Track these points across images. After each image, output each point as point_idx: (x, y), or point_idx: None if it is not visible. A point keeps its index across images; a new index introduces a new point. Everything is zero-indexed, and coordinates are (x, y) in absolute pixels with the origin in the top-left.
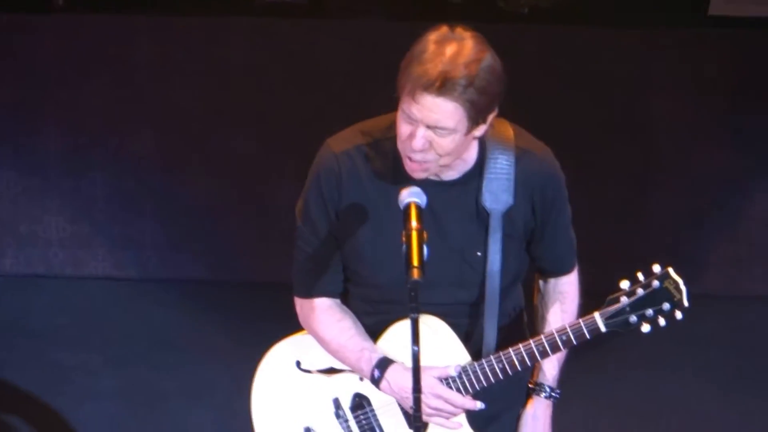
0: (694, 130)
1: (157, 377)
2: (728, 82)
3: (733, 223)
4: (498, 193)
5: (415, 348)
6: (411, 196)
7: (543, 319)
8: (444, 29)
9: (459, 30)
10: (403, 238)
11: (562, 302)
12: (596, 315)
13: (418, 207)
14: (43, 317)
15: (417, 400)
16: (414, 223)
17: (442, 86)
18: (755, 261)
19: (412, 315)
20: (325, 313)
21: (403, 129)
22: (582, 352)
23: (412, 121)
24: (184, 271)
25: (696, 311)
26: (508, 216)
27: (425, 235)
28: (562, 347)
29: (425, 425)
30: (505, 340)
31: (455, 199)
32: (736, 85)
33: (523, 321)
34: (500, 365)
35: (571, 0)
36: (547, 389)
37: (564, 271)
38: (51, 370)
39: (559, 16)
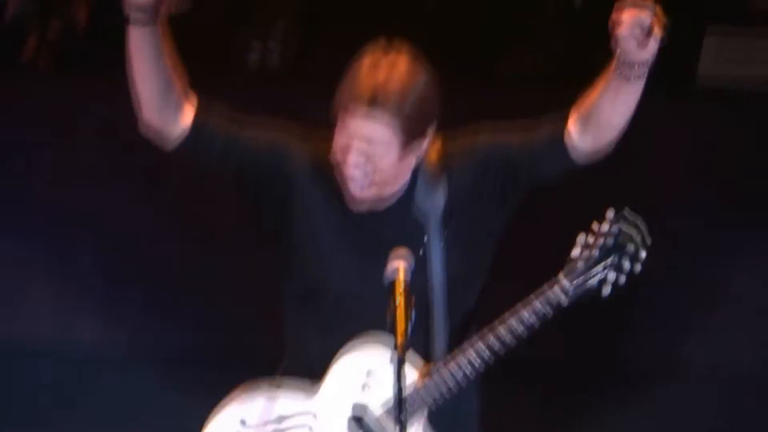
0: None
1: None
2: (720, 146)
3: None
4: (427, 198)
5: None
6: (396, 272)
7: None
8: (380, 46)
9: (395, 48)
10: (388, 315)
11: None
12: (560, 276)
13: (404, 282)
14: (27, 393)
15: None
16: (399, 299)
17: (376, 101)
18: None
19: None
20: None
21: (339, 143)
22: None
23: (348, 136)
24: (167, 344)
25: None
26: (445, 214)
27: (412, 300)
28: (528, 323)
29: None
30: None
31: (394, 222)
32: (728, 149)
33: (472, 331)
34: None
35: (555, 65)
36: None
37: (566, 116)
38: None
39: (553, 79)
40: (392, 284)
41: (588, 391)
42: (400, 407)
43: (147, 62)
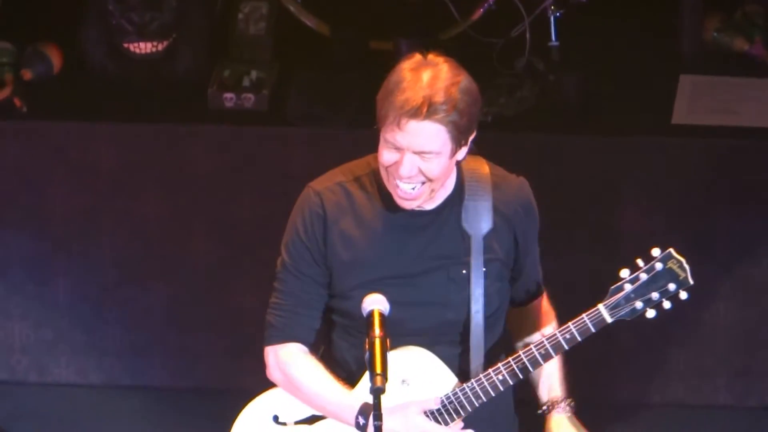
0: (656, 237)
1: None
2: (691, 189)
3: (696, 331)
4: (477, 217)
5: None
6: (374, 303)
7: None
8: (417, 57)
9: (432, 56)
10: (366, 346)
11: (550, 316)
12: (600, 306)
13: (381, 315)
14: (5, 424)
15: None
16: (377, 331)
17: (426, 110)
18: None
19: (375, 423)
20: (302, 359)
21: (387, 157)
22: None
23: (398, 148)
24: (147, 377)
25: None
26: (487, 240)
27: (388, 343)
28: (565, 345)
29: None
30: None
31: (437, 224)
32: (700, 192)
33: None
34: (500, 377)
35: (534, 108)
36: (562, 402)
37: (541, 293)
38: None
39: (522, 124)
40: (370, 316)
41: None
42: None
43: None
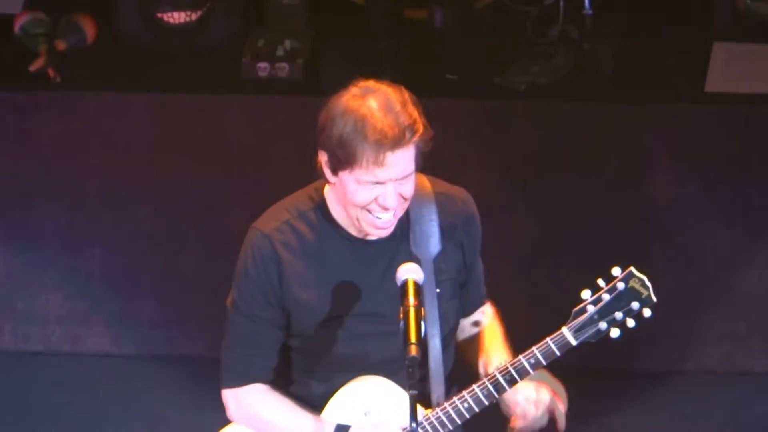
0: (690, 205)
1: None
2: (725, 158)
3: (730, 299)
4: (425, 240)
5: (414, 425)
6: (408, 273)
7: (487, 349)
8: (354, 91)
9: (366, 85)
10: (401, 315)
11: (497, 324)
12: (564, 329)
13: (415, 284)
14: (41, 394)
15: None
16: (411, 300)
17: (404, 138)
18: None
19: (411, 392)
20: (266, 395)
21: (364, 196)
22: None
23: (377, 183)
24: (181, 347)
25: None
26: (438, 262)
27: (423, 312)
28: (531, 370)
29: None
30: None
31: (389, 252)
32: (733, 161)
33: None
34: (465, 404)
35: (569, 76)
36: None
37: (486, 299)
38: None
39: (556, 92)
40: (404, 285)
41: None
42: (414, 414)
43: None
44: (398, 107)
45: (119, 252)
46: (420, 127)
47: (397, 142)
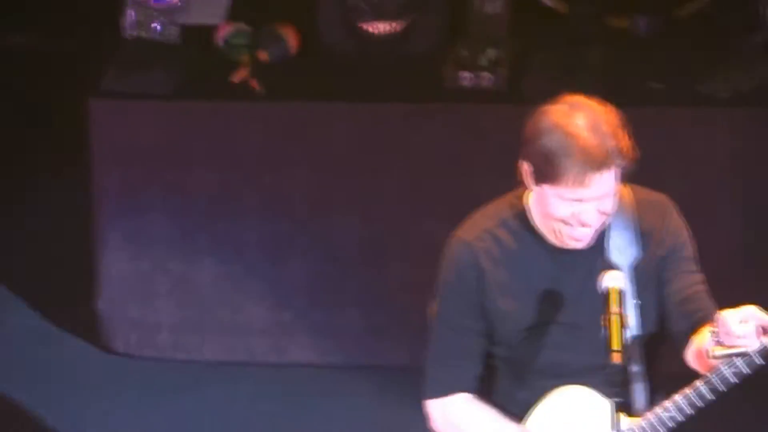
0: None
1: None
2: None
3: None
4: (623, 246)
5: None
6: (611, 281)
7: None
8: (563, 106)
9: (574, 100)
10: (603, 322)
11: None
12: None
13: (618, 292)
14: (246, 405)
15: None
16: (614, 308)
17: (608, 160)
18: None
19: (616, 399)
20: (471, 405)
21: (564, 211)
22: None
23: (577, 201)
24: (385, 357)
25: None
26: (637, 269)
27: (626, 320)
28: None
29: None
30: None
31: (589, 261)
32: None
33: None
34: (680, 404)
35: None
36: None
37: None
38: None
39: (760, 99)
40: (607, 293)
41: None
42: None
43: None
44: (605, 128)
45: (324, 262)
46: (626, 151)
47: (602, 164)
